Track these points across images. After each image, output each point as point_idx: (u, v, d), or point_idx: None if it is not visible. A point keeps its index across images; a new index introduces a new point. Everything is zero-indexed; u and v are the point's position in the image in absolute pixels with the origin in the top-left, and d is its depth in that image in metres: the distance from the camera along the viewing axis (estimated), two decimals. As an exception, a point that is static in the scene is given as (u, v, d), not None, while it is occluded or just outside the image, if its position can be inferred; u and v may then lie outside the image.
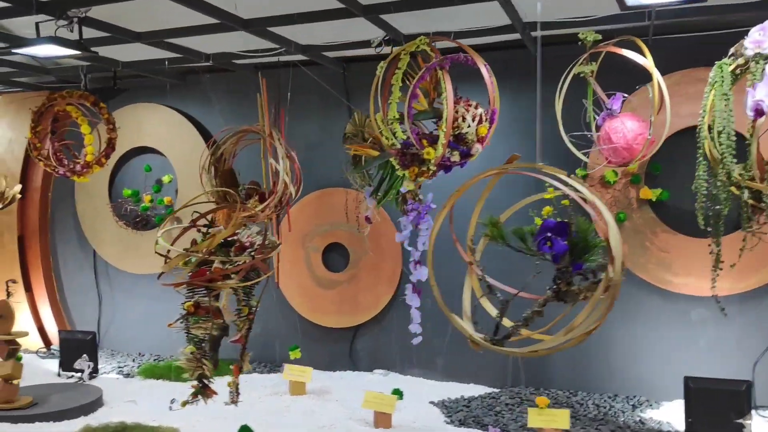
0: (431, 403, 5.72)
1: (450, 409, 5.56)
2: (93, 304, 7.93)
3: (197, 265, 3.86)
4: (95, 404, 5.43)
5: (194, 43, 6.01)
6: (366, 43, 5.92)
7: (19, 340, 7.86)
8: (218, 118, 7.35)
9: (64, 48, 4.40)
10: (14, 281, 5.38)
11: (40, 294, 8.01)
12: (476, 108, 3.45)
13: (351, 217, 6.47)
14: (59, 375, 6.63)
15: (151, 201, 7.38)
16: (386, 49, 5.68)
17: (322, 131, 6.91)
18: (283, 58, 6.55)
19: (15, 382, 5.20)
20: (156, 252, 3.99)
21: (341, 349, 6.91)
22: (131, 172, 7.74)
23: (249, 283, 3.92)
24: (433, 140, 3.44)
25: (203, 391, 3.84)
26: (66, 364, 6.60)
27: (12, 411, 5.07)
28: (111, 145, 6.08)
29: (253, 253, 3.88)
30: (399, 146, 3.80)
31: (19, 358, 5.65)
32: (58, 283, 8.11)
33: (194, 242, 4.07)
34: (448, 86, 3.37)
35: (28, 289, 7.99)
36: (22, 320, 7.90)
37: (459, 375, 6.43)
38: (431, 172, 3.45)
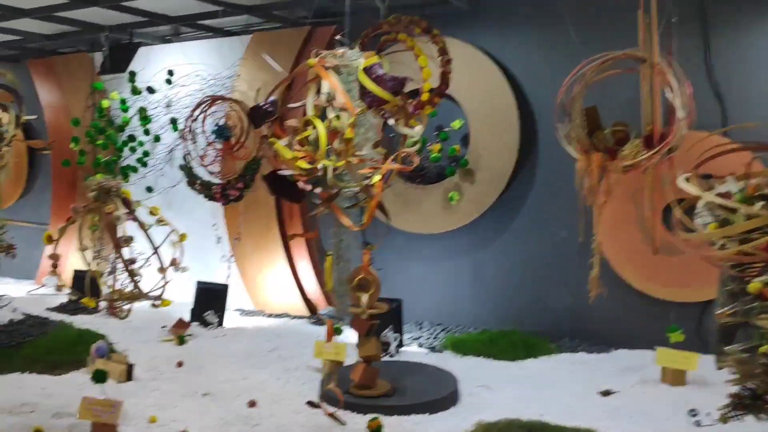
0: None
1: None
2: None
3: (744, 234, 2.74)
4: (456, 392, 4.55)
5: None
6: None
7: (278, 304, 7.23)
8: (518, 52, 6.24)
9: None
10: (371, 247, 4.52)
11: (299, 253, 7.32)
12: None
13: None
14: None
15: (441, 150, 6.39)
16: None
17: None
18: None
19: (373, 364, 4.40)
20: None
21: (684, 327, 5.74)
22: (406, 117, 6.77)
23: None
24: None
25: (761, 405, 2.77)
26: (365, 336, 5.83)
27: (379, 399, 4.28)
28: (445, 81, 5.05)
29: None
30: None
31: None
32: (318, 241, 7.38)
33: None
34: None
35: (286, 247, 7.31)
36: (284, 282, 7.27)
37: None
38: None
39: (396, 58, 4.96)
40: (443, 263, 6.76)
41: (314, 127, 3.95)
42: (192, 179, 6.30)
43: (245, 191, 6.18)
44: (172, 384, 4.93)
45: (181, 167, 6.46)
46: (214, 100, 6.24)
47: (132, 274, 4.24)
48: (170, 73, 7.36)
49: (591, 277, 4.73)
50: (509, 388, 4.81)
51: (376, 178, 3.96)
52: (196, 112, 6.22)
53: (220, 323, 6.69)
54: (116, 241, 4.16)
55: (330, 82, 3.84)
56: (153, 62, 7.75)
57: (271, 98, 4.34)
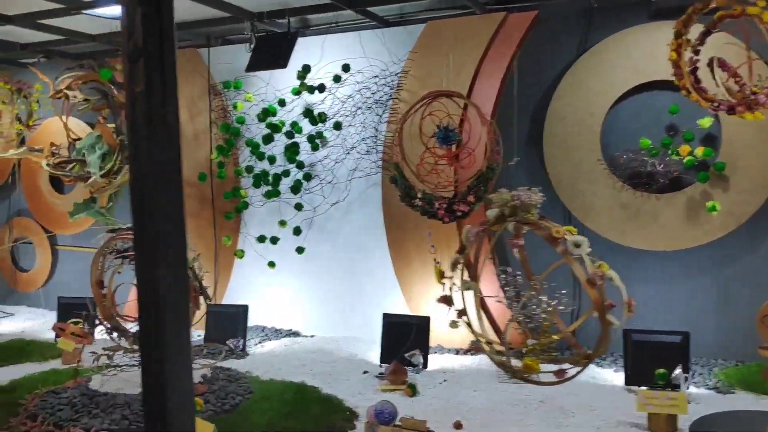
0: None
1: None
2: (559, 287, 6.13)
3: None
4: None
5: None
6: None
7: (459, 338, 6.03)
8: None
9: None
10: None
11: (485, 281, 6.24)
12: None
13: None
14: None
15: (690, 154, 5.48)
16: None
17: None
18: None
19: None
20: None
21: None
22: (628, 116, 5.88)
23: None
24: None
25: None
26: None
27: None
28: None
29: None
30: None
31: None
32: (506, 265, 6.33)
33: None
34: None
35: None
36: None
37: None
38: None
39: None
40: (677, 285, 5.84)
41: None
42: (408, 193, 5.19)
43: (475, 206, 5.12)
44: (483, 456, 3.83)
45: (393, 180, 5.34)
46: (435, 96, 5.16)
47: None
48: (346, 68, 6.18)
49: None
50: None
51: None
52: (410, 113, 5.14)
53: (425, 364, 5.58)
54: (591, 281, 3.05)
55: None
56: (303, 56, 6.56)
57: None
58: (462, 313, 3.03)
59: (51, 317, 8.07)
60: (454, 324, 3.06)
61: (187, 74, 7.21)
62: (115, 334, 4.57)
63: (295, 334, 6.94)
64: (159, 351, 2.28)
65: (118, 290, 4.90)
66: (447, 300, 3.10)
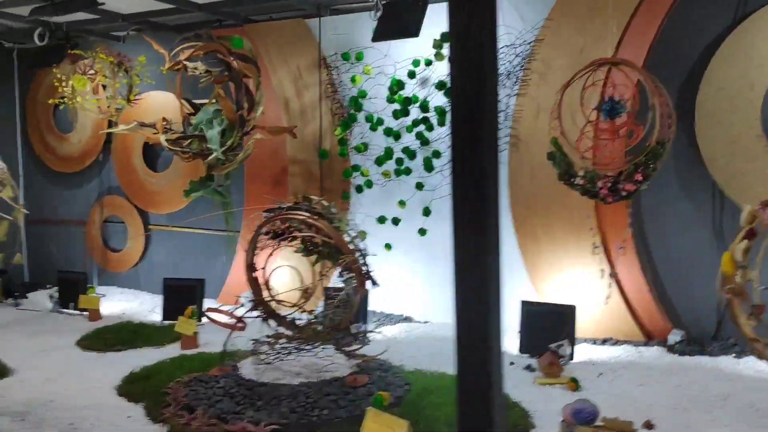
0: None
1: None
2: (702, 281, 5.68)
3: None
4: None
5: None
6: None
7: (597, 326, 5.63)
8: None
9: None
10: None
11: (626, 264, 5.84)
12: None
13: None
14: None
15: None
16: None
17: None
18: None
19: None
20: None
21: None
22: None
23: None
24: None
25: None
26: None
27: None
28: None
29: None
30: None
31: None
32: (645, 250, 5.90)
33: None
34: None
35: (607, 258, 5.84)
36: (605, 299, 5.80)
37: None
38: None
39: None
40: None
41: None
42: (568, 171, 4.80)
43: (643, 185, 4.71)
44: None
45: (551, 156, 4.94)
46: (599, 65, 4.74)
47: None
48: (483, 35, 5.75)
49: None
50: None
51: None
52: (572, 81, 4.72)
53: (572, 356, 5.21)
54: None
55: None
56: (428, 23, 6.15)
57: None
58: (760, 309, 2.64)
59: (145, 298, 7.91)
60: (752, 318, 2.67)
61: (292, 46, 6.89)
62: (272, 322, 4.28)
63: (408, 319, 6.63)
64: (484, 348, 1.93)
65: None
66: (738, 293, 2.72)
